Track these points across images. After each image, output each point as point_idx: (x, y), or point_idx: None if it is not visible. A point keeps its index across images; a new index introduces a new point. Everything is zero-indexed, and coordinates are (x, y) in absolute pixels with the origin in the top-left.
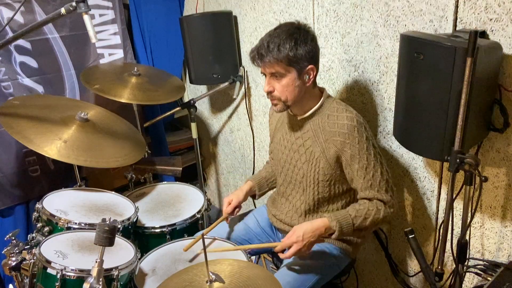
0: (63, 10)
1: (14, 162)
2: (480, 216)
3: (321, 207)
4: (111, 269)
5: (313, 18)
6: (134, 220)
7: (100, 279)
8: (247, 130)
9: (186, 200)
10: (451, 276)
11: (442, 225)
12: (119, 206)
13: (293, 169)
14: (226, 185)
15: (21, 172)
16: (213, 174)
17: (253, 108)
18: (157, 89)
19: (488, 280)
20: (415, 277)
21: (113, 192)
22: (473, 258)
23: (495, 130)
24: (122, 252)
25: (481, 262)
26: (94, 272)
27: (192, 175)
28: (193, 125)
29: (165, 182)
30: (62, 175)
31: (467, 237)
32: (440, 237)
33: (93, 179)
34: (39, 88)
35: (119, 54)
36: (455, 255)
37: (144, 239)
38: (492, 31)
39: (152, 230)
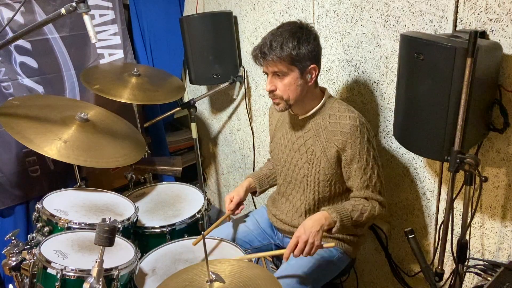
0: (63, 11)
1: (14, 162)
2: (480, 216)
3: (322, 207)
4: (111, 269)
5: (313, 18)
6: (134, 220)
7: (100, 279)
8: (247, 130)
9: (186, 200)
10: (451, 276)
11: (442, 225)
12: (119, 206)
13: (294, 169)
14: (226, 185)
15: (21, 172)
16: (213, 174)
17: (253, 108)
18: (157, 89)
19: (488, 280)
20: (415, 277)
21: (113, 192)
22: (473, 258)
23: (495, 130)
24: (122, 252)
25: (481, 262)
26: (94, 272)
27: (192, 175)
28: (193, 125)
29: (165, 182)
30: (62, 175)
31: (467, 237)
32: (440, 237)
33: (93, 179)
34: (39, 88)
35: (119, 54)
36: (455, 255)
37: (144, 239)
38: (492, 31)
39: (152, 230)
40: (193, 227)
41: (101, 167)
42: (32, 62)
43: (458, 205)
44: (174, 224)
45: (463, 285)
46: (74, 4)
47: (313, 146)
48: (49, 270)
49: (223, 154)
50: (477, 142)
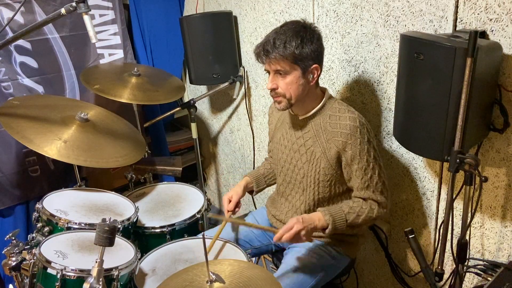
0: (63, 10)
1: (14, 162)
2: (480, 216)
3: (321, 207)
4: (111, 269)
5: (313, 18)
6: (134, 220)
7: (100, 279)
8: (247, 130)
9: (186, 200)
10: (451, 276)
11: (442, 225)
12: (119, 206)
13: (293, 169)
14: (226, 185)
15: (21, 172)
16: (213, 174)
17: (253, 108)
18: (157, 89)
19: (488, 280)
20: (415, 277)
21: (113, 192)
22: (473, 258)
23: (495, 130)
24: (122, 252)
25: (481, 262)
26: (94, 272)
27: (192, 175)
28: (193, 125)
29: (165, 182)
30: (62, 175)
31: (467, 237)
32: (440, 237)
33: (93, 179)
34: (39, 88)
35: (119, 54)
36: (455, 255)
37: (144, 239)
38: (492, 31)
39: (152, 230)
40: (193, 227)
41: (101, 167)
42: (32, 62)
43: (458, 205)
44: (174, 224)
45: (463, 285)
46: (74, 4)
47: (313, 147)
48: (49, 270)
49: (223, 154)
50: (477, 142)
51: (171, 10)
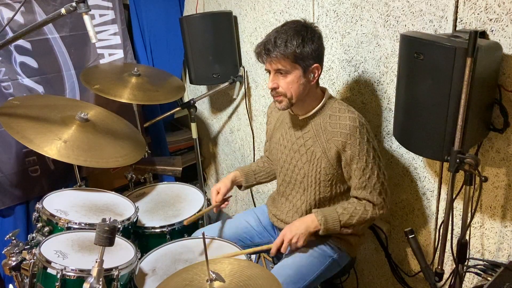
0: (63, 10)
1: (14, 162)
2: (480, 216)
3: (322, 207)
4: (111, 269)
5: (313, 18)
6: (134, 220)
7: (100, 279)
8: (247, 130)
9: (186, 200)
10: (451, 276)
11: (442, 225)
12: (119, 206)
13: (293, 169)
14: None
15: (21, 172)
16: (213, 174)
17: (253, 108)
18: (157, 89)
19: (488, 280)
20: (415, 277)
21: (113, 192)
22: (473, 258)
23: (495, 130)
24: (122, 252)
25: (481, 262)
26: (94, 272)
27: (192, 175)
28: (193, 125)
29: (165, 182)
30: (62, 175)
31: (467, 237)
32: (440, 237)
33: (93, 179)
34: (39, 88)
35: (119, 54)
36: (455, 255)
37: (144, 239)
38: (492, 31)
39: (152, 230)
40: (193, 227)
41: (101, 167)
42: (32, 62)
43: (458, 205)
44: (174, 224)
45: (463, 285)
46: (74, 4)
47: (313, 147)
48: (49, 270)
49: (223, 154)
50: (477, 142)
51: (171, 10)
